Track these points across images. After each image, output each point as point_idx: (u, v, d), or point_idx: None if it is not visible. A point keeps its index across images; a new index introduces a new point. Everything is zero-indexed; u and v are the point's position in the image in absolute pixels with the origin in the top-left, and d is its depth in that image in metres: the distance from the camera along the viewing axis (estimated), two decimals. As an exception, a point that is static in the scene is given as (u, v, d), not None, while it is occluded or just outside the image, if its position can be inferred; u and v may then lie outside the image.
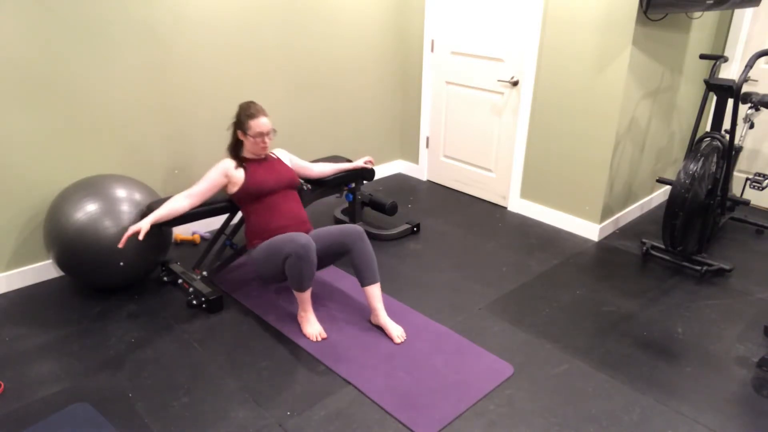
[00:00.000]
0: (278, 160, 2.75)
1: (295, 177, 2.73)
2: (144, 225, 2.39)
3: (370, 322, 2.60)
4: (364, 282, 2.51)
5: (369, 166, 3.18)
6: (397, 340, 2.46)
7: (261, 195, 2.59)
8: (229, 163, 2.61)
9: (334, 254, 2.58)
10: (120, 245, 2.35)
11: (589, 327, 2.62)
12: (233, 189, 2.61)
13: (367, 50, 4.04)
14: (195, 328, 2.54)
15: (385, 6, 4.03)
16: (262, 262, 2.51)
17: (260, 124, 2.57)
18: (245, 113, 2.57)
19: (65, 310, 2.66)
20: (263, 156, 2.69)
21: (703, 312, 2.76)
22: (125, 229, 2.57)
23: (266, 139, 2.61)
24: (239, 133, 2.63)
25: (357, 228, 2.53)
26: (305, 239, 2.34)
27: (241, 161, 2.64)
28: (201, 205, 2.63)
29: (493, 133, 3.90)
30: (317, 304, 2.74)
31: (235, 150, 2.69)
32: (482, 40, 3.76)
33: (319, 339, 2.45)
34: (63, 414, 2.01)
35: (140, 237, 2.37)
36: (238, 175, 2.60)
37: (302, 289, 2.43)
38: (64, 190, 2.67)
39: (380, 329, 2.55)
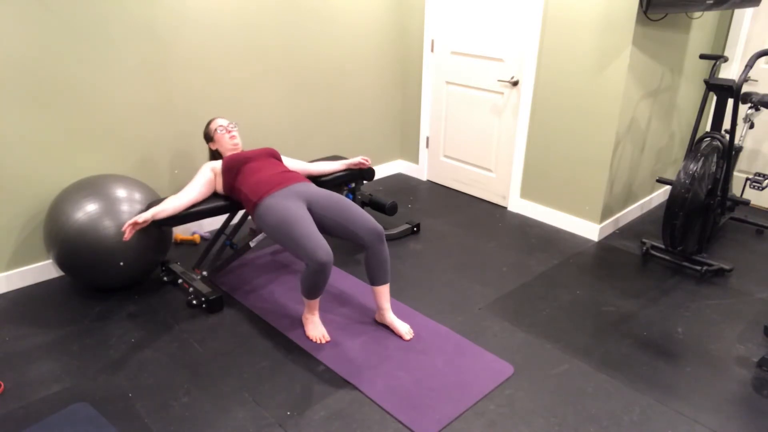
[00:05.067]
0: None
1: (275, 150, 2.85)
2: (144, 215, 2.38)
3: (375, 320, 2.60)
4: (376, 282, 2.49)
5: (366, 164, 3.17)
6: (407, 337, 2.47)
7: (240, 164, 2.67)
8: (211, 161, 2.77)
9: (346, 237, 2.48)
10: (125, 238, 2.32)
11: (589, 327, 2.62)
12: (220, 180, 2.70)
13: (367, 50, 4.04)
14: (195, 328, 2.54)
15: (385, 6, 4.03)
16: (270, 230, 2.41)
17: (217, 121, 2.81)
18: (204, 128, 2.86)
19: (65, 310, 2.66)
20: (239, 149, 2.82)
21: (703, 312, 2.76)
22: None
23: (230, 129, 2.79)
24: (210, 145, 2.85)
25: (379, 230, 2.44)
26: (325, 254, 2.23)
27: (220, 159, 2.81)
28: (201, 205, 2.63)
29: (493, 133, 3.90)
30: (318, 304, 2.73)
31: (213, 158, 2.90)
32: (482, 40, 3.76)
33: (323, 341, 2.45)
34: (63, 414, 2.01)
35: (140, 221, 2.34)
36: (220, 165, 2.74)
37: (312, 298, 2.42)
38: (64, 190, 2.67)
39: (384, 328, 2.55)
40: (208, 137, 2.83)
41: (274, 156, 2.81)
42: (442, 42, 4.01)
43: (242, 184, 2.61)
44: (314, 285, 2.32)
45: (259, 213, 2.47)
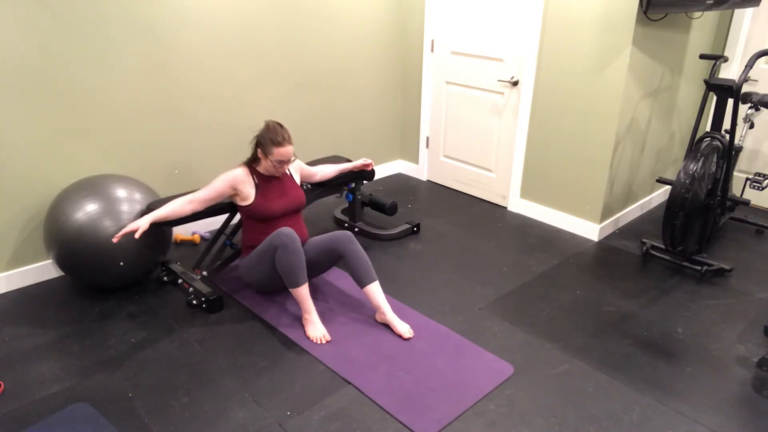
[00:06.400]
0: (290, 177, 2.72)
1: (303, 199, 2.72)
2: (142, 223, 2.40)
3: (375, 320, 2.61)
4: (362, 283, 2.52)
5: (368, 168, 3.18)
6: (407, 336, 2.47)
7: (266, 218, 2.62)
8: (239, 176, 2.56)
9: (327, 261, 2.65)
10: (114, 240, 2.36)
11: (589, 327, 2.62)
12: (240, 203, 2.61)
13: (367, 50, 4.04)
14: (195, 328, 2.54)
15: (385, 6, 4.03)
16: (254, 265, 2.57)
17: (283, 153, 2.50)
18: (271, 137, 2.48)
19: (65, 310, 2.66)
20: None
21: (703, 312, 2.76)
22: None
23: (285, 166, 2.57)
24: (259, 152, 2.55)
25: (345, 233, 2.59)
26: (289, 230, 2.44)
27: (253, 174, 2.60)
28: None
29: (493, 133, 3.90)
30: (318, 304, 2.73)
31: (253, 159, 2.63)
32: (482, 40, 3.76)
33: (323, 341, 2.45)
34: (63, 414, 2.01)
35: (137, 235, 2.38)
36: (248, 191, 2.57)
37: (297, 284, 2.43)
38: (64, 189, 2.67)
39: (384, 328, 2.55)
40: (265, 150, 2.51)
41: (299, 209, 2.72)
42: (442, 42, 4.01)
43: (254, 230, 2.65)
44: (290, 266, 2.40)
45: (248, 256, 2.63)
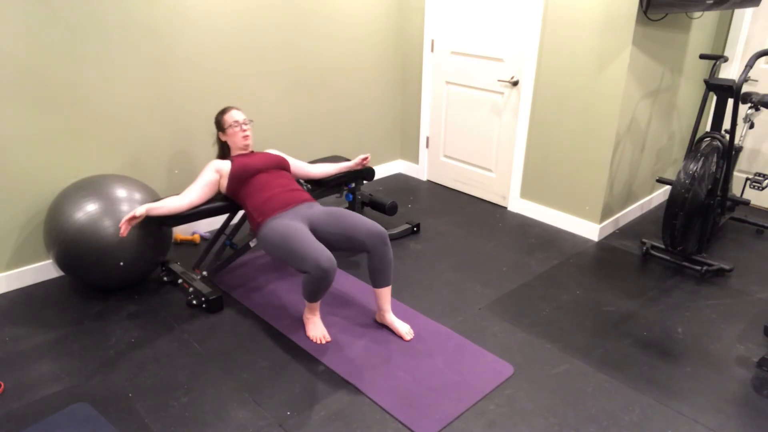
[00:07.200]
0: (266, 152, 2.84)
1: (284, 160, 2.80)
2: (139, 210, 2.40)
3: (375, 321, 2.60)
4: (379, 284, 2.48)
5: (366, 163, 3.17)
6: (407, 337, 2.47)
7: (249, 175, 2.64)
8: (217, 161, 2.72)
9: (351, 246, 2.48)
10: (122, 234, 2.34)
11: (589, 327, 2.62)
12: (225, 183, 2.67)
13: (367, 50, 4.04)
14: (195, 328, 2.54)
15: (385, 6, 4.03)
16: (273, 248, 2.41)
17: (232, 115, 2.72)
18: (218, 114, 2.76)
19: (65, 310, 2.66)
20: (249, 149, 2.79)
21: (703, 312, 2.76)
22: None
23: (244, 127, 2.72)
24: (220, 135, 2.78)
25: (382, 232, 2.42)
26: (327, 260, 2.21)
27: (227, 158, 2.77)
28: (201, 205, 2.63)
29: (493, 133, 3.90)
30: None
31: (223, 155, 2.84)
32: (482, 40, 3.76)
33: (323, 342, 2.45)
34: (63, 414, 2.01)
35: (137, 215, 2.38)
36: (227, 168, 2.68)
37: (314, 301, 2.41)
38: (65, 189, 2.67)
39: (384, 328, 2.55)
40: (220, 127, 2.75)
41: (282, 167, 2.76)
42: (442, 42, 4.01)
43: (247, 197, 2.62)
44: (316, 290, 2.32)
45: (261, 235, 2.50)
